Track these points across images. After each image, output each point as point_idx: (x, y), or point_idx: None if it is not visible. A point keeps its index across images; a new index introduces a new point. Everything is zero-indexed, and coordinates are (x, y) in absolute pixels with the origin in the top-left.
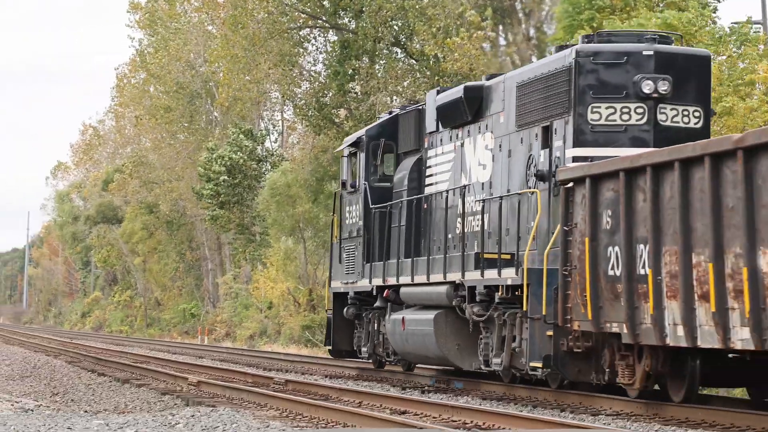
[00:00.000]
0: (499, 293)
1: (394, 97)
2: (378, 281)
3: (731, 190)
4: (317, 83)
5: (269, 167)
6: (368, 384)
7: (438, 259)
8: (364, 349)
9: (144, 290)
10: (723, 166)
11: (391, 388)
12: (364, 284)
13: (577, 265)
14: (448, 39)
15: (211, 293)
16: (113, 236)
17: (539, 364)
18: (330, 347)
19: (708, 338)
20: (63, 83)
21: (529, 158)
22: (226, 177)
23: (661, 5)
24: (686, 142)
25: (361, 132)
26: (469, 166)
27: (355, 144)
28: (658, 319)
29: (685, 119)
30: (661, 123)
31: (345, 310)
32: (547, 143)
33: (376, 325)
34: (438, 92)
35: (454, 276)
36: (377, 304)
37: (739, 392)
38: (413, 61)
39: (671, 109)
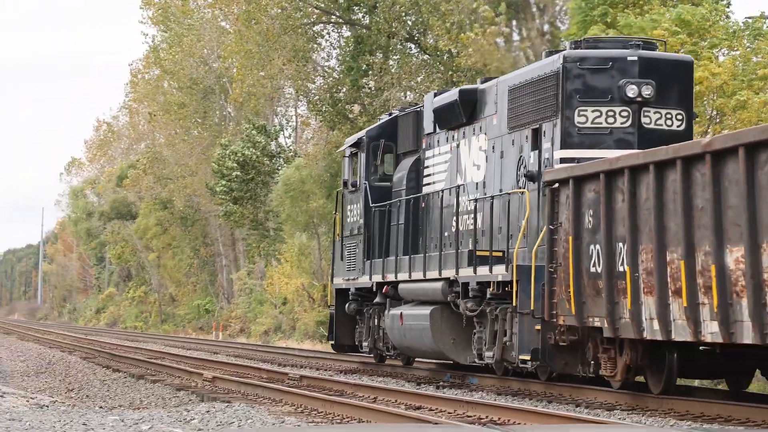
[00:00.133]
0: (491, 289)
1: (408, 93)
2: (378, 278)
3: (701, 191)
4: (331, 79)
5: (282, 163)
6: (383, 380)
7: (434, 256)
8: (365, 344)
9: (158, 286)
10: (693, 169)
11: (406, 384)
12: (364, 281)
13: (561, 262)
14: (462, 34)
15: (226, 289)
16: (127, 232)
17: (528, 357)
18: (333, 342)
19: (681, 332)
20: (76, 80)
21: (519, 159)
22: (238, 173)
23: (674, 0)
24: (669, 144)
25: (362, 133)
26: (464, 167)
27: (356, 144)
28: (636, 314)
29: (668, 122)
30: (645, 126)
31: (347, 305)
32: (536, 145)
33: (376, 320)
34: (435, 95)
35: (449, 273)
36: (377, 299)
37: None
38: (427, 56)
39: (655, 113)
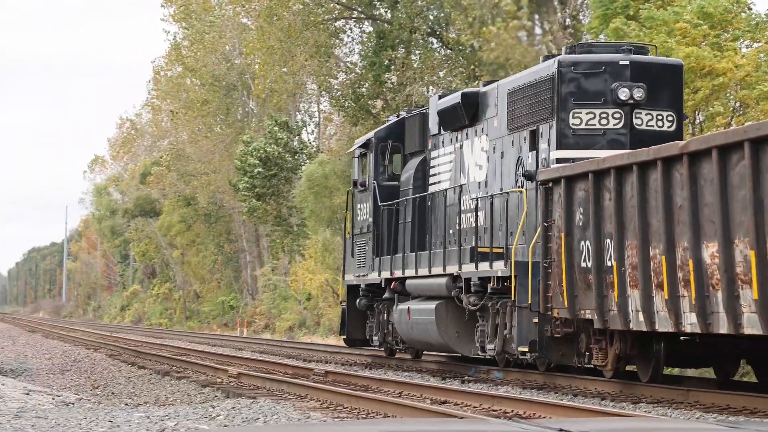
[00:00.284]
0: (491, 284)
1: (431, 88)
2: (386, 274)
3: (679, 190)
4: (353, 74)
5: (305, 159)
6: (408, 374)
7: (438, 253)
8: (375, 338)
9: (183, 283)
10: (672, 169)
11: (431, 378)
12: (374, 277)
13: (555, 257)
14: (484, 28)
15: (250, 285)
16: (151, 229)
17: (526, 349)
18: (344, 336)
19: (664, 323)
20: (99, 78)
21: (518, 159)
22: (260, 169)
23: None
24: (660, 144)
25: (371, 134)
26: (467, 166)
27: (365, 145)
28: (623, 307)
29: (659, 123)
30: (637, 127)
31: (357, 301)
32: (534, 146)
33: (385, 315)
34: (439, 97)
35: (453, 268)
36: (386, 295)
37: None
38: (449, 51)
39: (646, 114)
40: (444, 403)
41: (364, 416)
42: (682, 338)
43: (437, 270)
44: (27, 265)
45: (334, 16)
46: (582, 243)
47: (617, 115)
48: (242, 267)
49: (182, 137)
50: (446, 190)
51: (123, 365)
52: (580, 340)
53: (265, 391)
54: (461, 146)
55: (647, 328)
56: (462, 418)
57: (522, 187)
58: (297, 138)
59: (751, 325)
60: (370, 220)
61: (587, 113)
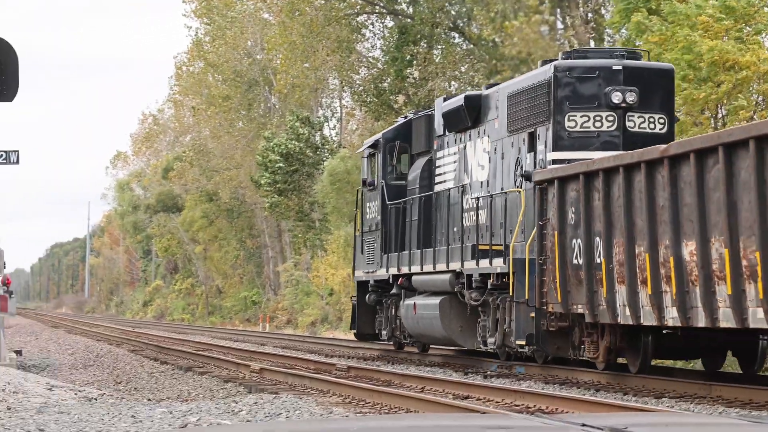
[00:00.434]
0: (491, 280)
1: (453, 83)
2: (394, 270)
3: (661, 191)
4: (375, 69)
5: (327, 154)
6: (430, 369)
7: (443, 250)
8: (384, 332)
9: (205, 278)
10: (655, 171)
11: (453, 374)
12: (382, 273)
13: (549, 255)
14: (506, 23)
15: (272, 280)
16: (173, 225)
17: (523, 342)
18: (355, 331)
19: (648, 317)
20: (121, 74)
21: (517, 160)
22: (281, 165)
23: None
24: (652, 146)
25: (379, 135)
26: (470, 167)
27: (374, 146)
28: (611, 302)
29: (651, 125)
30: (630, 129)
31: (367, 296)
32: (532, 147)
33: (393, 310)
34: (444, 100)
35: (455, 265)
36: (393, 291)
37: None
38: (471, 45)
39: (638, 117)
40: (467, 398)
41: (386, 411)
42: (664, 332)
43: (441, 266)
44: (50, 260)
45: (356, 11)
46: (574, 241)
47: (611, 118)
48: (264, 262)
49: (204, 133)
50: (450, 189)
51: (145, 360)
52: (574, 333)
53: (288, 387)
54: (465, 147)
55: (633, 322)
56: (484, 413)
57: (521, 187)
58: (319, 133)
59: (726, 319)
60: (379, 218)
61: (582, 116)
